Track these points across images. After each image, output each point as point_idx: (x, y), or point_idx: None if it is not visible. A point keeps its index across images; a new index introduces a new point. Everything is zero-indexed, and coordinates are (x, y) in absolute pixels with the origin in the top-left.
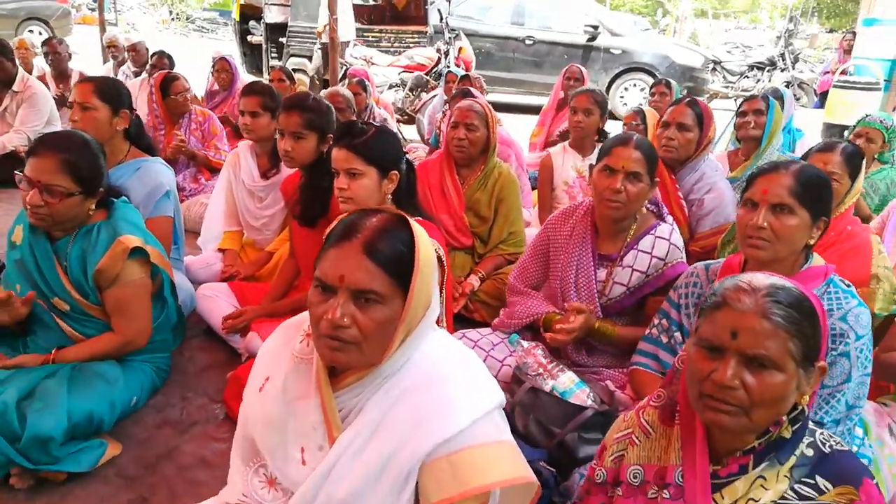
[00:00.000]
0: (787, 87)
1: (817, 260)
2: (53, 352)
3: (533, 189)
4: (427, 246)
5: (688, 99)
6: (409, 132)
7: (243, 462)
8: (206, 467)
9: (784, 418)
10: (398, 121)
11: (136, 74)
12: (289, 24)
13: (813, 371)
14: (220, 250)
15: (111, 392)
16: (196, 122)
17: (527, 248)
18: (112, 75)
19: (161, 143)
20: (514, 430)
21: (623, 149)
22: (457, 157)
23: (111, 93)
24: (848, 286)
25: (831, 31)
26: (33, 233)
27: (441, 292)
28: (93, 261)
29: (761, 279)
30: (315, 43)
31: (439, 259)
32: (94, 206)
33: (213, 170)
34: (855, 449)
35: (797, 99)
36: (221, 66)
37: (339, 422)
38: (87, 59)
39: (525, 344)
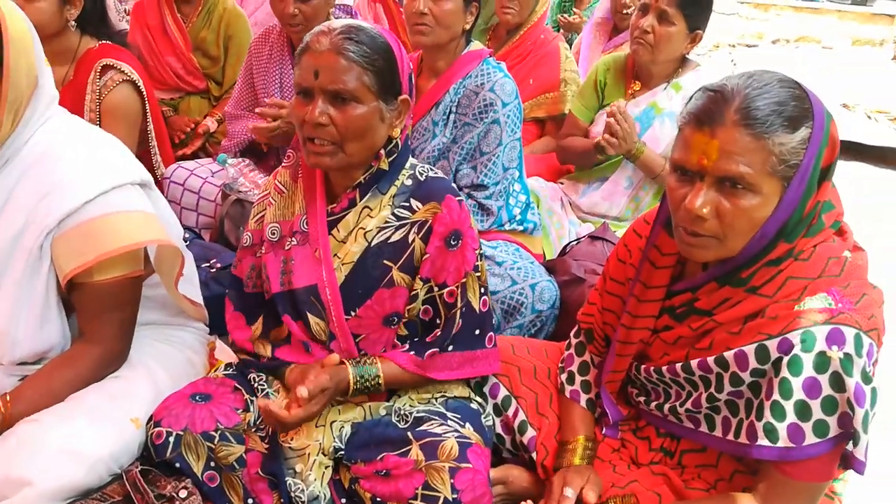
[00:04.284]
0: None
1: (475, 45)
2: None
3: None
4: (17, 20)
5: None
6: None
7: None
8: None
9: (382, 152)
10: None
11: None
12: None
13: (396, 104)
14: None
15: None
16: None
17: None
18: None
19: None
20: (226, 243)
21: None
22: None
23: None
24: (498, 63)
25: None
26: None
27: (146, 120)
28: None
29: (340, 22)
30: None
31: (137, 88)
32: None
33: None
34: (517, 212)
35: None
36: None
37: None
38: None
39: (232, 161)
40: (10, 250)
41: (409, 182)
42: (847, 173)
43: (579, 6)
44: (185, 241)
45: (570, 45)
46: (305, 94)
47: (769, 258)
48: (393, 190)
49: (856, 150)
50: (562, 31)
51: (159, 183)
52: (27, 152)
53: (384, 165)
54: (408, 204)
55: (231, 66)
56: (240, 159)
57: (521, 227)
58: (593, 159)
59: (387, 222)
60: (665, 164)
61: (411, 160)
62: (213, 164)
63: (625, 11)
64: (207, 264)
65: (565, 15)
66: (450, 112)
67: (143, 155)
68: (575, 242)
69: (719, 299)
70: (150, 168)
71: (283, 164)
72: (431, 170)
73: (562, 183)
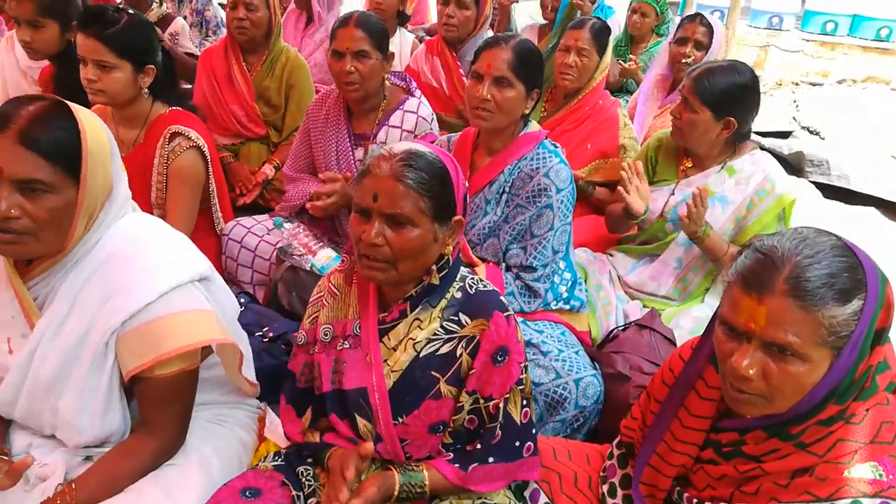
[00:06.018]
0: None
1: (533, 126)
2: None
3: None
4: (96, 130)
5: None
6: None
7: None
8: None
9: (433, 267)
10: None
11: None
12: None
13: (449, 225)
14: None
15: None
16: None
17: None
18: None
19: None
20: (278, 307)
21: (344, 30)
22: (240, 40)
23: None
24: (555, 146)
25: None
26: None
27: (209, 180)
28: None
29: (401, 146)
30: None
31: (200, 150)
32: None
33: None
34: (564, 290)
35: None
36: None
37: (37, 309)
38: None
39: (288, 226)
40: (79, 348)
41: (458, 295)
42: None
43: (635, 52)
44: (241, 306)
45: (627, 91)
46: (363, 214)
47: (819, 418)
48: (443, 303)
49: None
50: (618, 75)
51: (218, 238)
52: (96, 253)
53: (435, 280)
54: (457, 318)
55: (291, 113)
56: (294, 224)
57: (567, 306)
58: (626, 224)
59: (436, 334)
60: (728, 249)
61: (462, 271)
62: (269, 220)
63: (683, 62)
64: (260, 333)
65: (621, 61)
66: (503, 192)
67: (205, 211)
68: (622, 328)
69: (768, 448)
70: (211, 224)
71: (337, 268)
72: (481, 282)
73: (612, 255)
